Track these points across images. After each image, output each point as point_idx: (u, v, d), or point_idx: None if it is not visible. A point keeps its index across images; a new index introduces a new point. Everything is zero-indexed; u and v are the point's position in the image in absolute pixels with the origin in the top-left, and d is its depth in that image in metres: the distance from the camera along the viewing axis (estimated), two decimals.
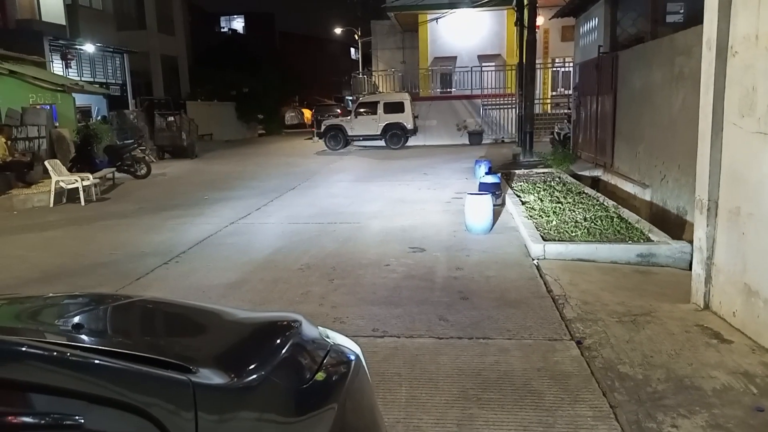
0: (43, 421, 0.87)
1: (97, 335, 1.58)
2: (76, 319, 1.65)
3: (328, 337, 1.75)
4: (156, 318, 1.95)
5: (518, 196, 9.22)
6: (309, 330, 1.70)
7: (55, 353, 1.00)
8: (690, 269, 4.88)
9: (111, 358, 1.08)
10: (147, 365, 1.12)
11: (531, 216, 7.69)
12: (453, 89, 25.89)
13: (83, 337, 1.45)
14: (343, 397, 1.45)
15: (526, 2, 15.16)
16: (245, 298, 5.23)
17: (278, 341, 1.54)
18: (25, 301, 1.96)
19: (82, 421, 0.87)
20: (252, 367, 1.33)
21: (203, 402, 1.07)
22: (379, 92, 25.52)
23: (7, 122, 12.85)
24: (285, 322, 1.72)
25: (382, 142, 21.67)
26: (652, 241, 6.27)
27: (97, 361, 1.07)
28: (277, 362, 1.41)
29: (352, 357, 1.65)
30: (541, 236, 6.55)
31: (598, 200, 8.70)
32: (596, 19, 13.78)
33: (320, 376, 1.47)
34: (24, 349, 0.98)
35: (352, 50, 47.69)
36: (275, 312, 1.97)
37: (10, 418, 0.86)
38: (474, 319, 4.51)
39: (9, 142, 11.87)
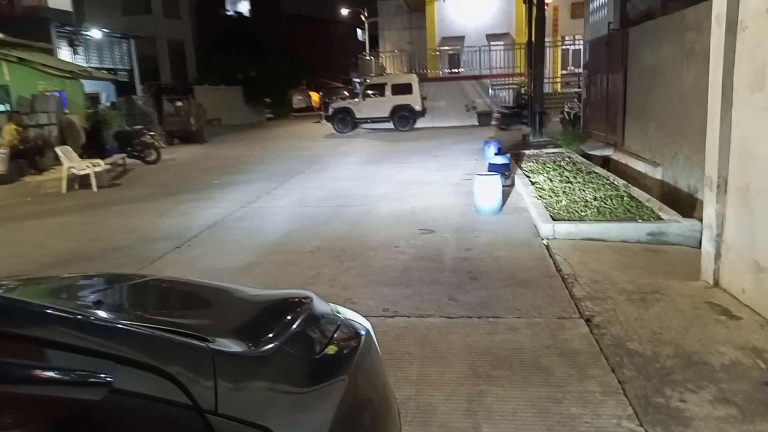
0: (75, 377, 0.96)
1: (115, 311, 1.63)
2: (95, 297, 1.70)
3: (338, 313, 1.80)
4: (172, 295, 2.01)
5: (528, 177, 9.19)
6: (320, 305, 1.75)
7: (91, 317, 1.10)
8: (700, 247, 4.87)
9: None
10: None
11: (540, 196, 7.68)
12: (461, 69, 25.65)
13: (103, 313, 1.50)
14: (353, 371, 1.49)
15: None
16: (257, 280, 5.29)
17: (291, 315, 1.59)
18: (43, 282, 2.02)
19: (111, 379, 0.96)
20: (267, 337, 1.38)
21: (222, 368, 1.12)
22: (387, 74, 25.32)
23: (18, 109, 12.95)
24: (297, 299, 1.77)
25: (390, 125, 21.57)
26: (663, 219, 6.25)
27: (124, 327, 1.14)
28: (290, 334, 1.46)
29: (363, 332, 1.70)
30: (551, 216, 6.55)
31: (608, 179, 8.66)
32: None
33: (331, 348, 1.51)
34: (52, 312, 1.05)
35: (359, 31, 47.21)
36: (287, 289, 2.02)
37: (47, 372, 0.95)
38: (483, 299, 4.55)
39: (20, 129, 11.98)
